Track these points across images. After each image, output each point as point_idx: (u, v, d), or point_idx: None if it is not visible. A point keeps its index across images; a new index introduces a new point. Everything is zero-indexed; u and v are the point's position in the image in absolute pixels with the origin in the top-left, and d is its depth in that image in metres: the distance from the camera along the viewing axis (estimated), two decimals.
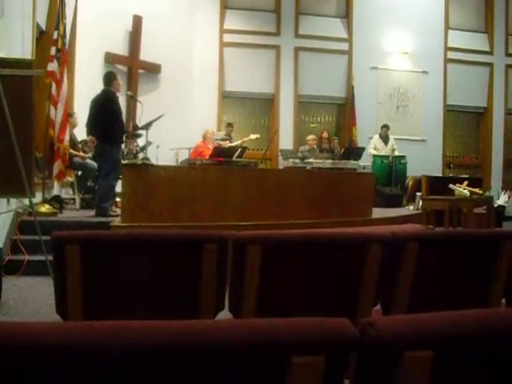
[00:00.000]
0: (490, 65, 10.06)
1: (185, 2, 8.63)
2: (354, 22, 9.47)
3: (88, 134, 5.47)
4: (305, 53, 9.38)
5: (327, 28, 9.42)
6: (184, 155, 7.35)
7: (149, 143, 6.10)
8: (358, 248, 1.68)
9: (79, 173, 6.16)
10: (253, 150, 8.83)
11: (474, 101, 10.04)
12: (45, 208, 5.10)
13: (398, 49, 9.66)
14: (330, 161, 7.49)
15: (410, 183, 8.71)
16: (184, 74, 8.50)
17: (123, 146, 6.07)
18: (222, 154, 6.28)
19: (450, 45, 9.85)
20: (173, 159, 7.72)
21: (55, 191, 6.37)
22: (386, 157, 8.45)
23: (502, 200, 8.59)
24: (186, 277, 1.62)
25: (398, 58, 9.70)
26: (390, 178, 8.32)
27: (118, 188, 5.20)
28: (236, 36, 9.08)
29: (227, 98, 9.23)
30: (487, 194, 7.69)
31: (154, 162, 6.27)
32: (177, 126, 7.88)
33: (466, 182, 6.77)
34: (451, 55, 9.86)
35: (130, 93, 7.11)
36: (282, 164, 8.22)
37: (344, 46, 9.51)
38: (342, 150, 7.78)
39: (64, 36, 5.68)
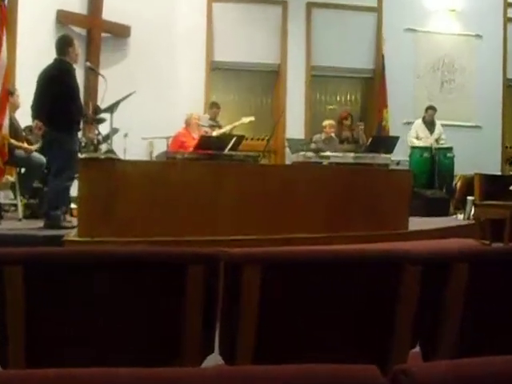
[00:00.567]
0: None
1: None
2: None
3: (34, 118, 5.46)
4: (320, 10, 9.41)
5: None
6: (161, 147, 7.36)
7: (114, 131, 6.10)
8: (390, 271, 1.68)
9: (22, 170, 6.16)
10: (251, 139, 8.85)
11: None
12: None
13: (442, 5, 9.67)
14: (353, 154, 7.51)
15: (459, 184, 8.71)
16: (160, 38, 8.51)
17: (80, 134, 6.07)
18: (210, 146, 6.28)
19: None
20: (146, 152, 7.72)
21: None
22: (427, 149, 8.46)
23: None
24: (163, 310, 1.63)
25: (442, 18, 9.73)
26: (433, 178, 8.34)
27: (74, 191, 5.20)
28: None
29: (217, 71, 9.24)
30: None
31: (121, 155, 6.27)
32: (151, 107, 7.89)
33: None
34: None
35: (89, 64, 7.10)
36: (289, 158, 8.23)
37: (372, 1, 9.53)
38: (370, 140, 7.79)
39: None
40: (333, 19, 9.38)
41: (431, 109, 8.75)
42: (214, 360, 1.68)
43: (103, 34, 8.29)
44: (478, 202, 7.18)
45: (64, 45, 5.39)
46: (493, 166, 9.31)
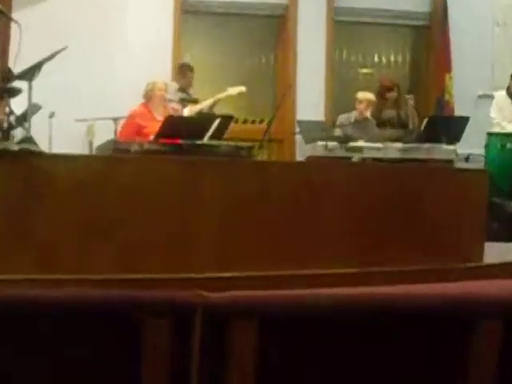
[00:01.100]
0: None
1: None
2: None
3: None
4: None
5: None
6: (106, 133, 7.34)
7: (35, 108, 6.11)
8: (455, 326, 1.70)
9: None
10: (244, 122, 8.87)
11: None
12: None
13: None
14: (400, 145, 7.54)
15: None
16: None
17: None
18: (181, 131, 6.34)
19: None
20: (82, 141, 7.72)
21: None
22: None
23: None
24: None
25: None
26: None
27: None
28: None
29: (191, 15, 9.27)
30: None
31: (44, 146, 6.28)
32: (91, 73, 7.92)
33: None
34: None
35: None
36: (302, 151, 8.23)
37: None
38: (425, 122, 7.84)
39: None
40: None
41: None
42: None
43: None
44: None
45: None
46: None
